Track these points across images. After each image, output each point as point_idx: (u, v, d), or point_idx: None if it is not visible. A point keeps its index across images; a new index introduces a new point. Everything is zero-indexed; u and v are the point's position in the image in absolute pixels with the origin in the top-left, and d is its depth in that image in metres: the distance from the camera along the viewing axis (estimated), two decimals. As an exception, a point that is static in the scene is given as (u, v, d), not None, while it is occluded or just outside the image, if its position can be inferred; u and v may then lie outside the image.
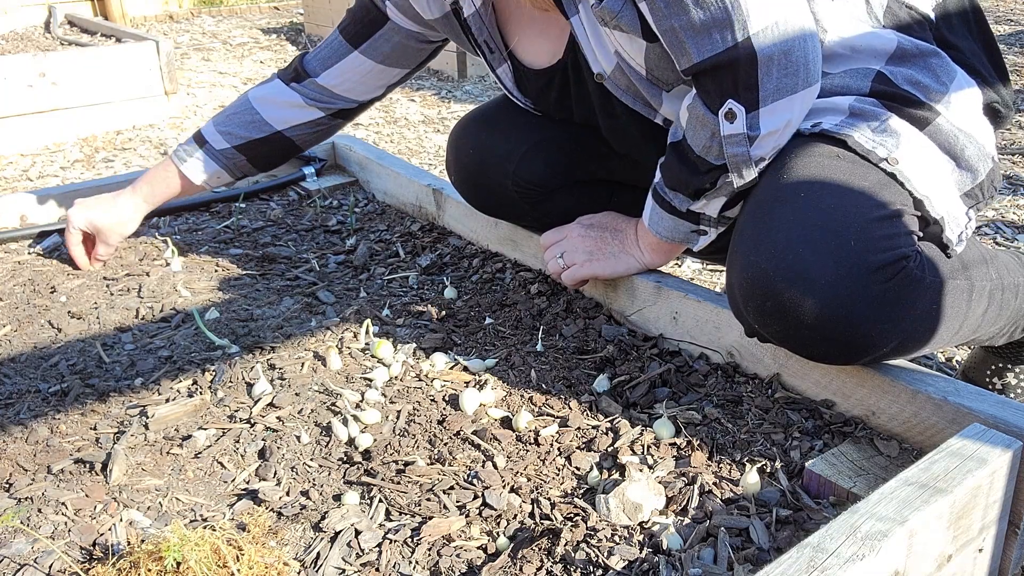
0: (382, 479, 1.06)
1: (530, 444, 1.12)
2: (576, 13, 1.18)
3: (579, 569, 0.90)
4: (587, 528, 0.95)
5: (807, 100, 1.07)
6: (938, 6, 1.19)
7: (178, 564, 0.86)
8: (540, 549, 0.92)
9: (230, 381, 1.28)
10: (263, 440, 1.14)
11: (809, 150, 1.07)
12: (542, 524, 0.97)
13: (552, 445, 1.12)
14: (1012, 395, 1.36)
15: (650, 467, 1.06)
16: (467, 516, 1.00)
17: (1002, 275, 1.15)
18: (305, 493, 1.05)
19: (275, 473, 1.08)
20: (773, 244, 1.00)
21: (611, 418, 1.17)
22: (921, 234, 1.07)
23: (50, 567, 0.94)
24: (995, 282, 1.13)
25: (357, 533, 0.97)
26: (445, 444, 1.13)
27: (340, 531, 0.97)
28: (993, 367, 1.36)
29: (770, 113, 1.05)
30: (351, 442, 1.14)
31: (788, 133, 1.09)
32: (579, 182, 1.54)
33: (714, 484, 1.02)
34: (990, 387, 1.36)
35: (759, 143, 1.07)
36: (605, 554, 0.91)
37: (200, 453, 1.13)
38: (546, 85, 1.39)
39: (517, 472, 1.07)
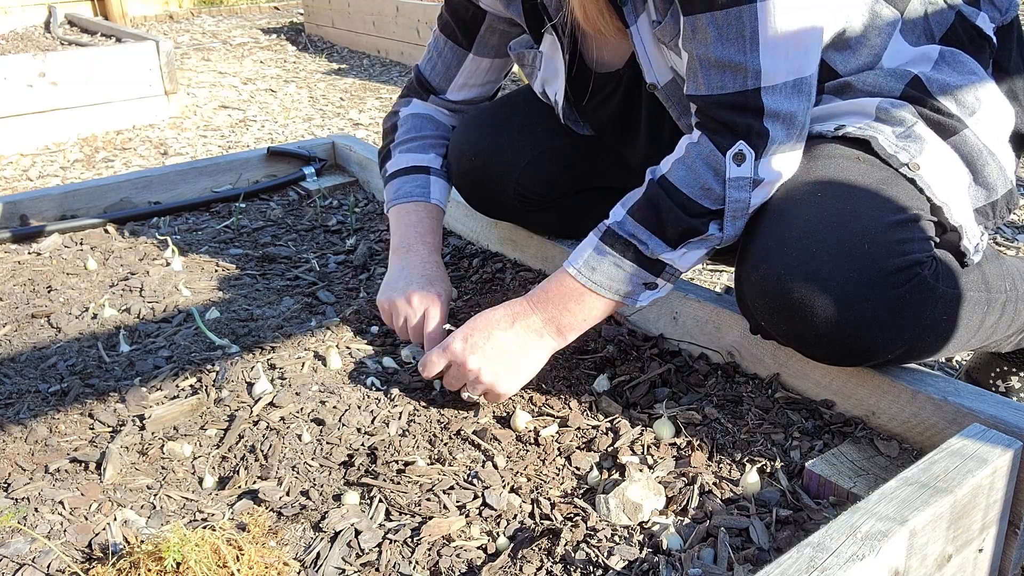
0: (382, 479, 1.06)
1: (530, 444, 1.12)
2: (635, 23, 1.16)
3: (579, 569, 0.90)
4: (587, 528, 0.95)
5: (798, 159, 1.07)
6: (997, 31, 1.18)
7: (178, 564, 0.86)
8: (540, 549, 0.92)
9: (230, 381, 1.28)
10: (263, 440, 1.14)
11: (829, 151, 1.07)
12: (542, 524, 0.97)
13: (552, 445, 1.12)
14: (1015, 399, 1.35)
15: (650, 467, 1.06)
16: (467, 516, 1.00)
17: (1017, 285, 1.15)
18: (305, 493, 1.04)
19: (275, 473, 1.08)
20: (787, 242, 1.00)
21: (611, 418, 1.17)
22: (938, 240, 1.06)
23: (48, 566, 0.94)
24: (1009, 294, 1.13)
25: (357, 533, 0.97)
26: (445, 444, 1.13)
27: (340, 531, 0.97)
28: (998, 370, 1.36)
29: (777, 162, 1.04)
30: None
31: (774, 189, 1.07)
32: (580, 190, 1.53)
33: (714, 484, 1.02)
34: (993, 390, 1.36)
35: (759, 190, 1.05)
36: (605, 554, 0.91)
37: (200, 453, 1.13)
38: (612, 91, 1.33)
39: (517, 472, 1.07)
